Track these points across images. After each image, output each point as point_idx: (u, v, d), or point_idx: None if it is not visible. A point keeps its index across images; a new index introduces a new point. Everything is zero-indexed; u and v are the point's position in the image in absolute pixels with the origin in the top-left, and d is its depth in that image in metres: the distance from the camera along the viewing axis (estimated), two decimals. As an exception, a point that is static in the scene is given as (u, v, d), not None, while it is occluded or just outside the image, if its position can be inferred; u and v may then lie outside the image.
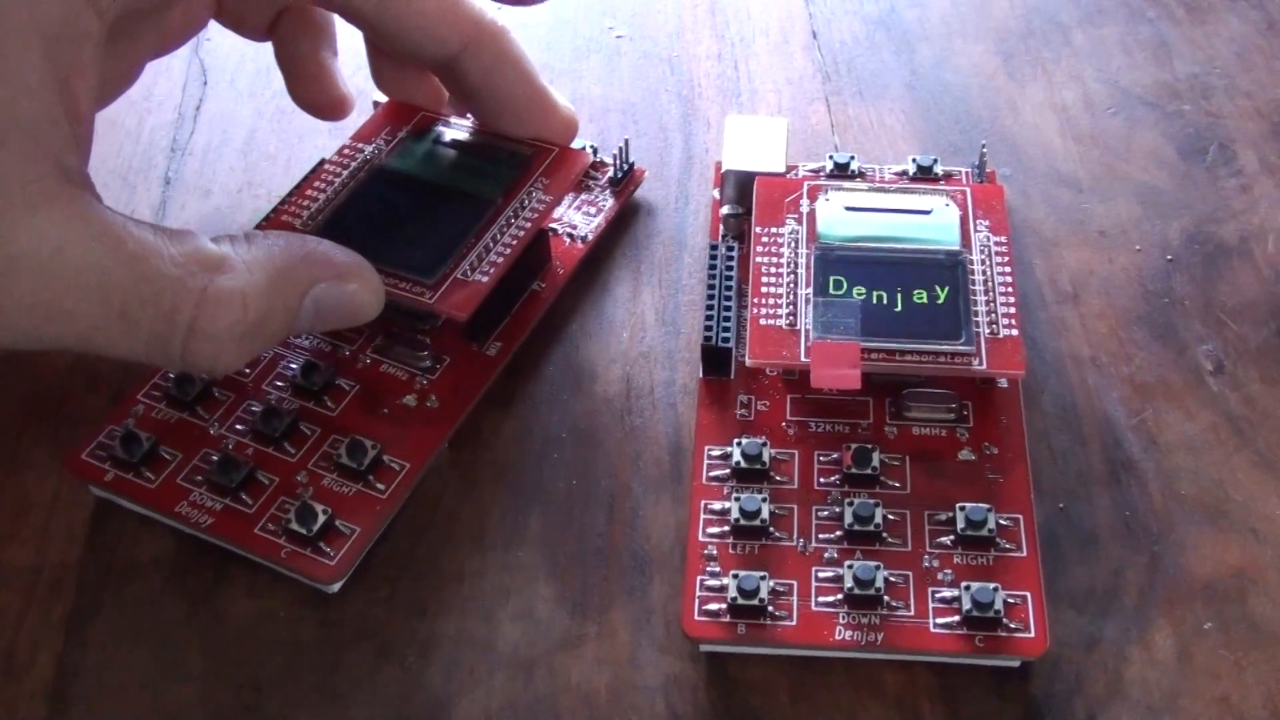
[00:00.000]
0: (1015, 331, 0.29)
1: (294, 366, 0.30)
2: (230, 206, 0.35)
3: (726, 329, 0.30)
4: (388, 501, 0.28)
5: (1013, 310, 0.29)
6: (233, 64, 0.39)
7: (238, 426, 0.29)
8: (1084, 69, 0.38)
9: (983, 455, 0.29)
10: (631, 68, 0.38)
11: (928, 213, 0.31)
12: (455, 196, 0.31)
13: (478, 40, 0.31)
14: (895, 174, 0.34)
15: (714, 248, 0.32)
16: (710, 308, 0.30)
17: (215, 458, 0.28)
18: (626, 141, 0.34)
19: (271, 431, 0.29)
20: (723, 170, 0.33)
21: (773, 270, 0.30)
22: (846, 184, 0.32)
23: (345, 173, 0.32)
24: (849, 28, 0.39)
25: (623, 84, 0.38)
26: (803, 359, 0.29)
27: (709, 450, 0.29)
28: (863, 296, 0.29)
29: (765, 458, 0.28)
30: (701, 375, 0.30)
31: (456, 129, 0.33)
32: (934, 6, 0.40)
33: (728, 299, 0.31)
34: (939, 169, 0.34)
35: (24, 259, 0.24)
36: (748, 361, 0.29)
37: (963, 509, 0.27)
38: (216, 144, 0.37)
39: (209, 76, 0.39)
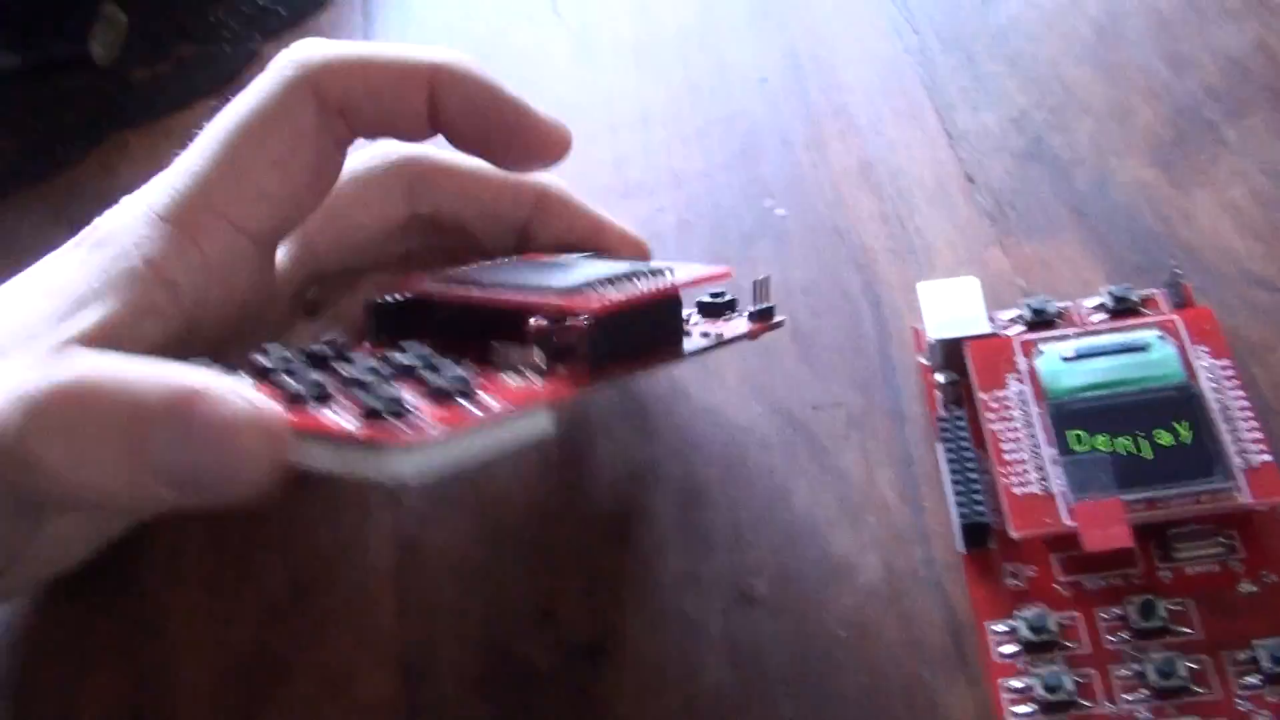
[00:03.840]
0: (1268, 456, 0.29)
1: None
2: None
3: (979, 501, 0.31)
4: None
5: (1259, 435, 0.30)
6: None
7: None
8: (1244, 165, 0.38)
9: (1263, 584, 0.29)
10: (801, 243, 0.39)
11: (1144, 349, 0.32)
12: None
13: (544, 207, 0.34)
14: (1091, 308, 0.35)
15: (943, 420, 0.32)
16: (958, 482, 0.31)
17: None
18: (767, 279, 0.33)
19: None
20: (929, 340, 0.34)
21: (1010, 435, 0.31)
22: (1055, 333, 0.33)
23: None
24: (1001, 165, 0.40)
25: (797, 262, 0.39)
26: (1066, 522, 0.29)
27: (991, 626, 0.29)
28: (1108, 449, 0.30)
29: (1051, 625, 0.29)
30: (962, 550, 0.31)
31: None
32: (1078, 129, 0.41)
33: (972, 471, 0.31)
34: (1135, 296, 0.35)
35: None
36: (1012, 534, 0.29)
37: (1264, 646, 0.27)
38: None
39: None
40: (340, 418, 0.25)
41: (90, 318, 0.27)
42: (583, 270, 0.31)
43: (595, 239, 0.34)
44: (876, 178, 0.41)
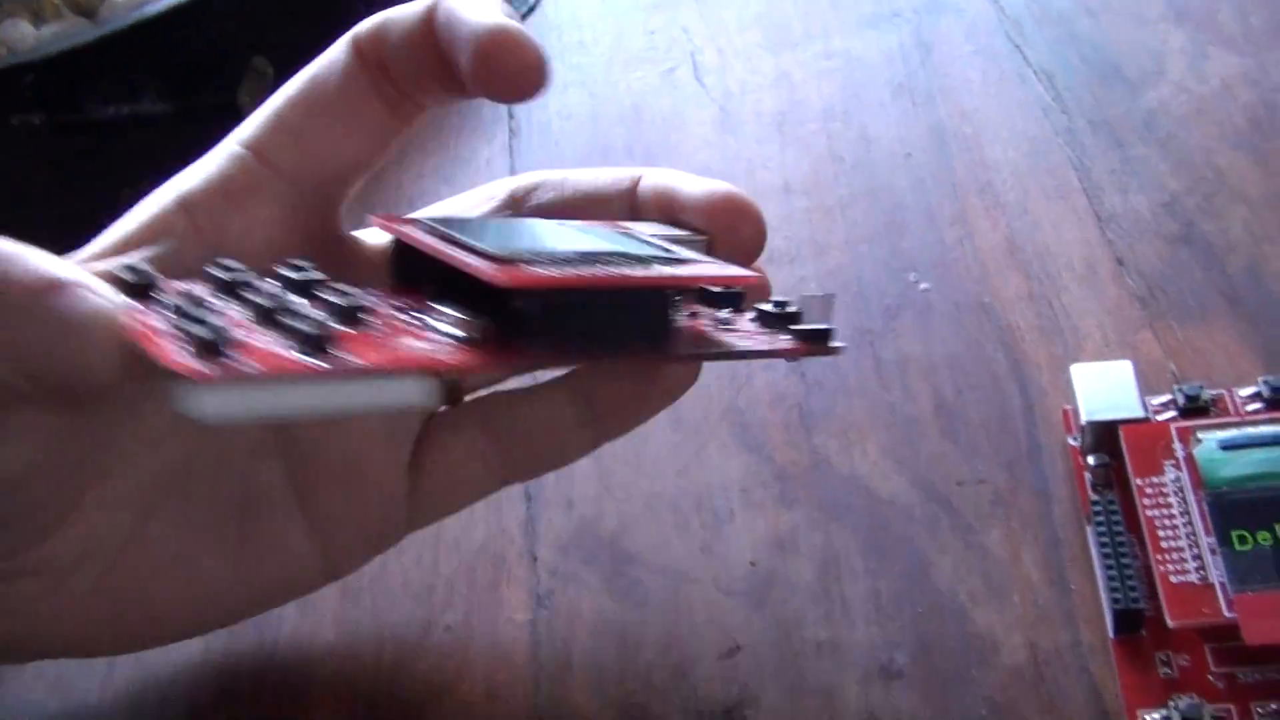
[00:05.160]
0: None
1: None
2: (593, 515, 0.37)
3: (1133, 587, 0.30)
4: None
5: None
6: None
7: None
8: (1405, 256, 0.38)
9: None
10: (946, 319, 0.39)
11: (1306, 440, 0.31)
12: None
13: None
14: (1246, 396, 0.34)
15: (1095, 504, 0.32)
16: (1109, 567, 0.31)
17: None
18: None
19: None
20: (1084, 422, 0.33)
21: (1167, 522, 0.31)
22: (1212, 421, 0.33)
23: None
24: (1152, 249, 0.40)
25: (942, 338, 0.39)
26: (1227, 614, 0.29)
27: (1143, 715, 0.29)
28: (1269, 542, 0.29)
29: (1207, 717, 0.28)
30: (1112, 635, 0.30)
31: None
32: (1232, 215, 0.40)
33: (1124, 556, 0.31)
34: (1293, 386, 0.34)
35: None
36: (1169, 623, 0.29)
37: None
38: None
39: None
40: (172, 341, 0.22)
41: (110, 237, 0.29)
42: (570, 240, 0.27)
43: (671, 207, 0.31)
44: (1023, 256, 0.41)
